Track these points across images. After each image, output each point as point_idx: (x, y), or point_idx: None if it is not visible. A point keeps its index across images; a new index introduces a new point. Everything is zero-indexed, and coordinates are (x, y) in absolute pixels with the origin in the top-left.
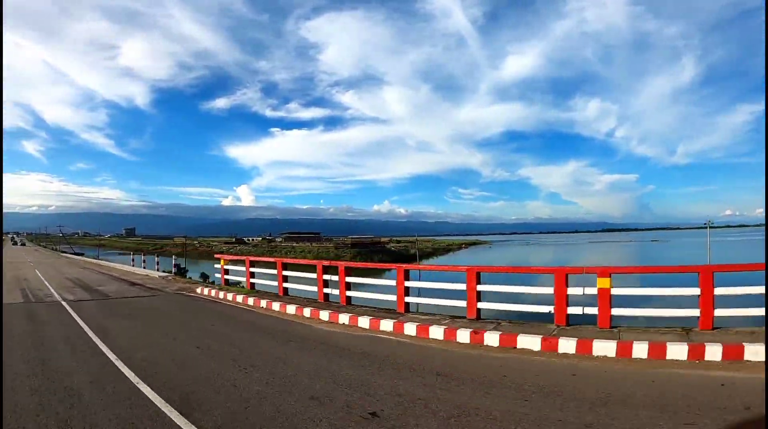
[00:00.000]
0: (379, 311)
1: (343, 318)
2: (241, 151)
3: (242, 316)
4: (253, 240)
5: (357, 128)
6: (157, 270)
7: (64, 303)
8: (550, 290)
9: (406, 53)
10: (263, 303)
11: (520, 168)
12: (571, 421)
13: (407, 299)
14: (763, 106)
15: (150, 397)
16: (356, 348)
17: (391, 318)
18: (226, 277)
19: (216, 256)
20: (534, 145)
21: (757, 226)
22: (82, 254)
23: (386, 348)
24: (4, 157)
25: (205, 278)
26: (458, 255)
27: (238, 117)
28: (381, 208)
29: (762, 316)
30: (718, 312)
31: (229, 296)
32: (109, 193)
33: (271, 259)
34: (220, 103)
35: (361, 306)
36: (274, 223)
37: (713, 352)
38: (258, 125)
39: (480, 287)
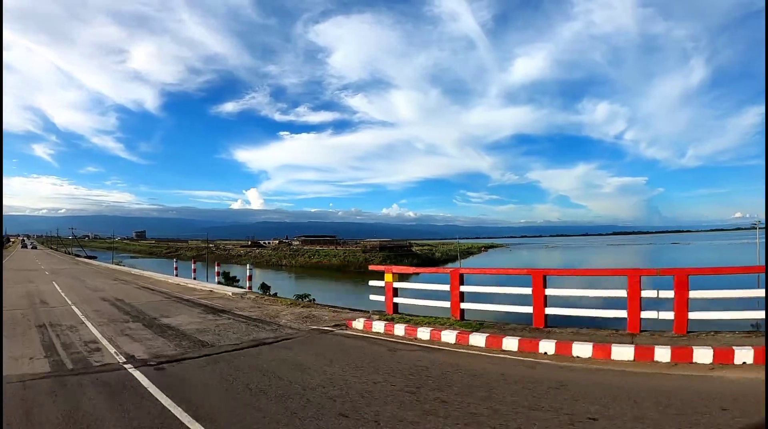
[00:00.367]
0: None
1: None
2: (250, 155)
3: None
4: (270, 243)
5: (366, 132)
6: (222, 284)
7: (138, 375)
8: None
9: (414, 57)
10: (509, 343)
11: (529, 171)
12: None
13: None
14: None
15: None
16: None
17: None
18: (381, 298)
19: (372, 268)
20: (543, 148)
21: None
22: (94, 257)
23: None
24: (16, 161)
25: (231, 280)
26: (483, 257)
27: (247, 121)
28: (390, 212)
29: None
30: None
31: (424, 334)
32: (119, 197)
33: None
34: (229, 107)
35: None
36: (284, 226)
37: None
38: (267, 129)
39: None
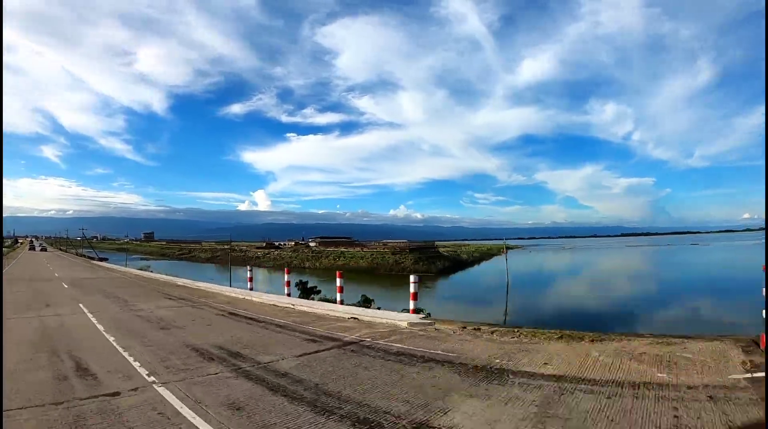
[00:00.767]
0: None
1: None
2: (257, 157)
3: None
4: (285, 244)
5: (372, 133)
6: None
7: None
8: None
9: (420, 58)
10: None
11: (535, 172)
12: None
13: None
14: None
15: None
16: None
17: None
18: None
19: None
20: (550, 149)
21: None
22: (106, 259)
23: None
24: (24, 162)
25: (310, 291)
26: (509, 259)
27: (254, 122)
28: (397, 213)
29: None
30: None
31: None
32: (126, 198)
33: None
34: (236, 108)
35: None
36: (290, 227)
37: None
38: (274, 131)
39: None
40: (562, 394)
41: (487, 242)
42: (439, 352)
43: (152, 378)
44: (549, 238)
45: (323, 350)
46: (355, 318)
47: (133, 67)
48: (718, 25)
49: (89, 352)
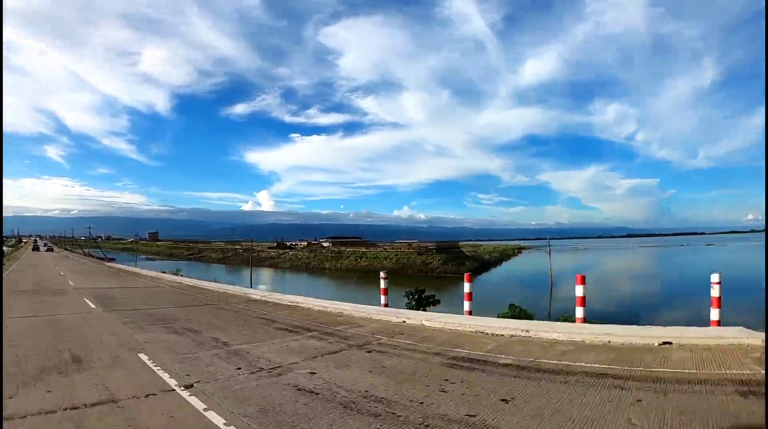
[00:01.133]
0: None
1: None
2: (261, 157)
3: None
4: (297, 244)
5: (376, 134)
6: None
7: None
8: None
9: (424, 58)
10: None
11: (539, 173)
12: None
13: None
14: None
15: None
16: None
17: None
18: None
19: None
20: (553, 149)
21: None
22: (113, 259)
23: None
24: (28, 162)
25: (424, 301)
26: (526, 258)
27: (258, 123)
28: (401, 214)
29: None
30: None
31: None
32: (130, 198)
33: None
34: (240, 109)
35: None
36: (294, 227)
37: None
38: (277, 131)
39: None
40: None
41: (494, 243)
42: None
43: None
44: (554, 238)
45: None
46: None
47: (137, 68)
48: (722, 25)
49: None
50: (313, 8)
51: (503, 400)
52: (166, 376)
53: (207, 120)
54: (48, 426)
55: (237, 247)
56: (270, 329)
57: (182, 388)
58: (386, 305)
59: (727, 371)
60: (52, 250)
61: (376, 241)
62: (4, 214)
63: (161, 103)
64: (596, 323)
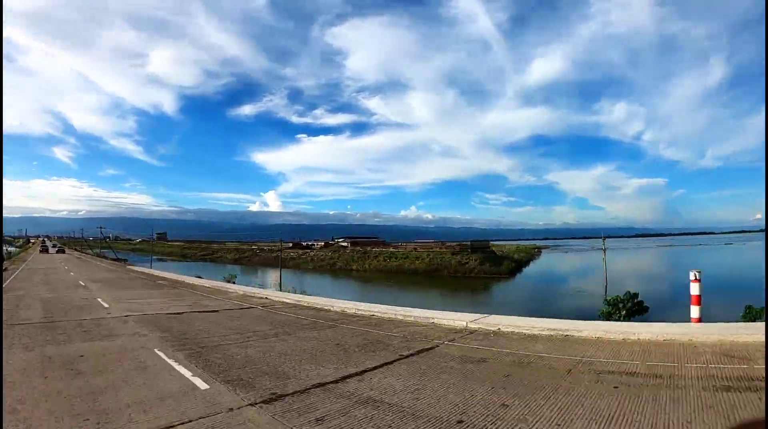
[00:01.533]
0: None
1: None
2: (268, 158)
3: None
4: (315, 244)
5: (383, 134)
6: None
7: None
8: None
9: (431, 58)
10: None
11: (547, 173)
12: None
13: None
14: None
15: None
16: None
17: None
18: None
19: None
20: (561, 149)
21: None
22: (125, 260)
23: None
24: (36, 163)
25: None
26: (549, 259)
27: (265, 123)
28: (408, 214)
29: None
30: None
31: None
32: (137, 199)
33: None
34: (247, 109)
35: None
36: (302, 228)
37: None
38: (284, 131)
39: None
40: None
41: (508, 243)
42: None
43: None
44: (563, 238)
45: None
46: None
47: (145, 69)
48: (730, 24)
49: None
50: (319, 9)
51: None
52: None
53: (214, 121)
54: None
55: (253, 247)
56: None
57: None
58: (699, 320)
59: None
60: (63, 252)
61: (393, 242)
62: (12, 215)
63: (168, 103)
64: None
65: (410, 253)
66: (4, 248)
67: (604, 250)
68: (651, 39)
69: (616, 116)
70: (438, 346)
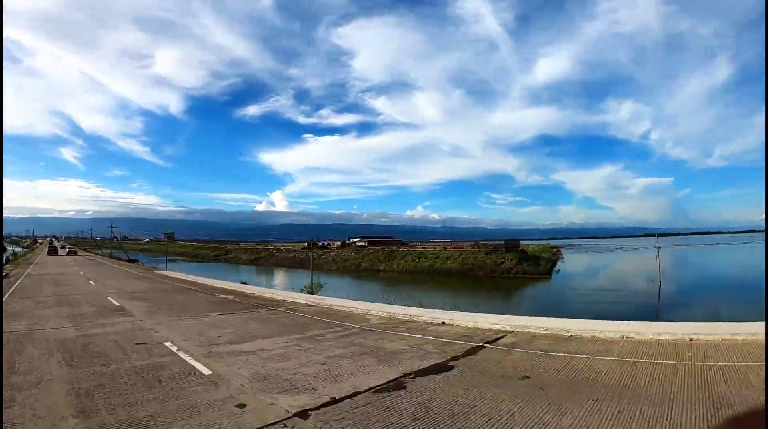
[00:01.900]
0: None
1: None
2: (274, 158)
3: None
4: (331, 244)
5: (389, 134)
6: None
7: None
8: None
9: (437, 58)
10: None
11: (554, 172)
12: None
13: None
14: None
15: None
16: None
17: None
18: None
19: None
20: (568, 149)
21: None
22: (136, 261)
23: None
24: (43, 164)
25: None
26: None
27: (271, 124)
28: (414, 214)
29: None
30: None
31: None
32: (144, 199)
33: None
34: (253, 110)
35: None
36: (309, 228)
37: None
38: (290, 132)
39: None
40: None
41: (523, 243)
42: None
43: None
44: (571, 238)
45: None
46: None
47: (151, 70)
48: (737, 22)
49: None
50: (325, 9)
51: None
52: None
53: (220, 121)
54: None
55: (269, 247)
56: None
57: None
58: None
59: None
60: (75, 253)
61: (410, 241)
62: (20, 215)
63: (175, 104)
64: None
65: (440, 252)
66: (10, 249)
67: (658, 249)
68: (657, 38)
69: (623, 115)
70: None
